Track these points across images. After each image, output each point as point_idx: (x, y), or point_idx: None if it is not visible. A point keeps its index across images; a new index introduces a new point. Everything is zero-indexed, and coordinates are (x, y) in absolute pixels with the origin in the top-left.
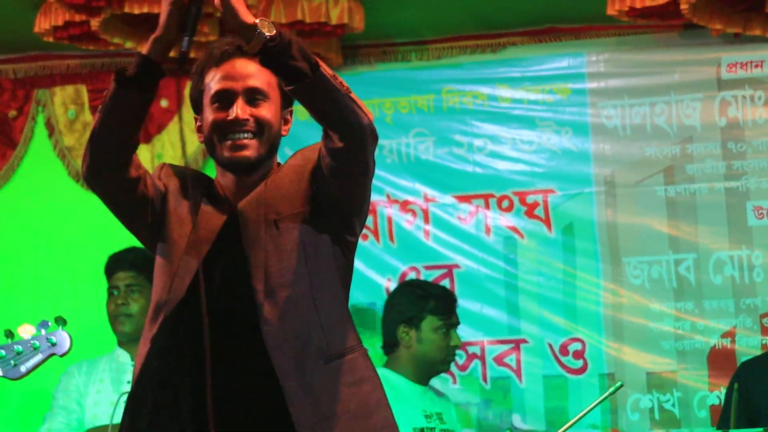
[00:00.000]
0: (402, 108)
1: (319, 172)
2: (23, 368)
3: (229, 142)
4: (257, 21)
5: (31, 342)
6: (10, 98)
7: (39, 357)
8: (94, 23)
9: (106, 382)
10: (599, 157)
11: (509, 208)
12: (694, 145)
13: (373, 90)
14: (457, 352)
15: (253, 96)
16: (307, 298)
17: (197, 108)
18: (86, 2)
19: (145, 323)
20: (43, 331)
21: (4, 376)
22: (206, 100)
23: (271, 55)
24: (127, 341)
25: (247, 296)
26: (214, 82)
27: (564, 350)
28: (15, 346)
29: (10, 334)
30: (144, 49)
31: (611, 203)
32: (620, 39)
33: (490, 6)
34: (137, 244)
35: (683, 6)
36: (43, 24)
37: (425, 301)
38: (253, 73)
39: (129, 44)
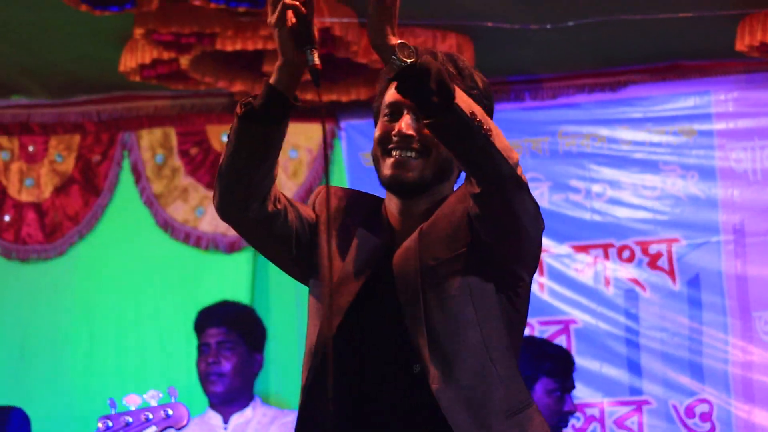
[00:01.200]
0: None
1: (471, 214)
2: None
3: (391, 159)
4: (397, 43)
5: (144, 413)
6: (93, 142)
7: (153, 429)
8: (184, 61)
9: None
10: (728, 203)
11: (630, 259)
12: None
13: None
14: (575, 414)
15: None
16: (480, 349)
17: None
18: (175, 39)
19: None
20: (154, 402)
21: None
22: (379, 115)
23: (403, 83)
24: (218, 402)
25: (405, 350)
26: (388, 95)
27: (690, 412)
28: (125, 417)
29: (113, 403)
30: (271, 78)
31: (740, 253)
32: (750, 76)
33: (609, 41)
34: (228, 297)
35: None
36: (129, 62)
37: (541, 361)
38: None
39: (221, 84)
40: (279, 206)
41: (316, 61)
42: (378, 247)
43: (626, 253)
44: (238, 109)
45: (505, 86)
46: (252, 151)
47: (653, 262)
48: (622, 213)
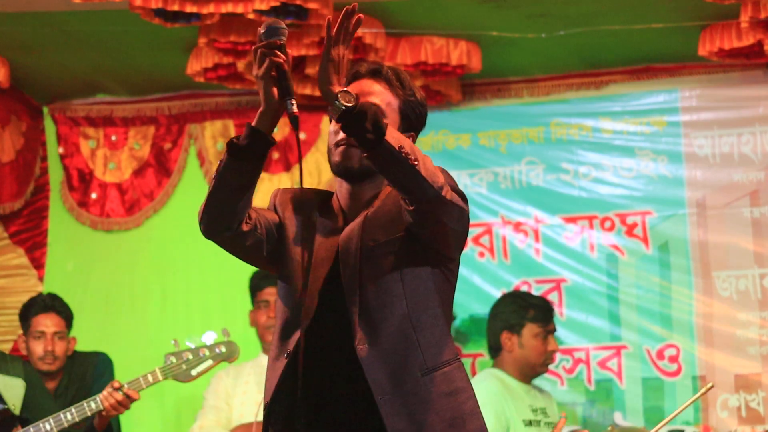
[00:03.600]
0: (515, 139)
1: (405, 220)
2: (194, 372)
3: (339, 148)
4: (339, 91)
5: (202, 350)
6: (165, 132)
7: (209, 362)
8: (240, 65)
9: (251, 384)
10: (692, 182)
11: (611, 228)
12: None
13: (489, 123)
14: (564, 356)
15: None
16: (404, 319)
17: None
18: (233, 46)
19: (273, 339)
20: (211, 341)
21: (175, 379)
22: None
23: (345, 123)
24: None
25: (343, 319)
26: None
27: (660, 355)
28: (186, 353)
29: (176, 344)
30: (254, 121)
31: (702, 223)
32: (711, 77)
33: (593, 47)
34: None
35: (767, 47)
36: (194, 66)
37: (526, 311)
38: (374, 92)
39: None
40: (251, 222)
41: (295, 110)
42: (335, 231)
43: (608, 224)
44: (226, 148)
45: (506, 85)
46: (235, 183)
47: (630, 231)
48: (604, 190)
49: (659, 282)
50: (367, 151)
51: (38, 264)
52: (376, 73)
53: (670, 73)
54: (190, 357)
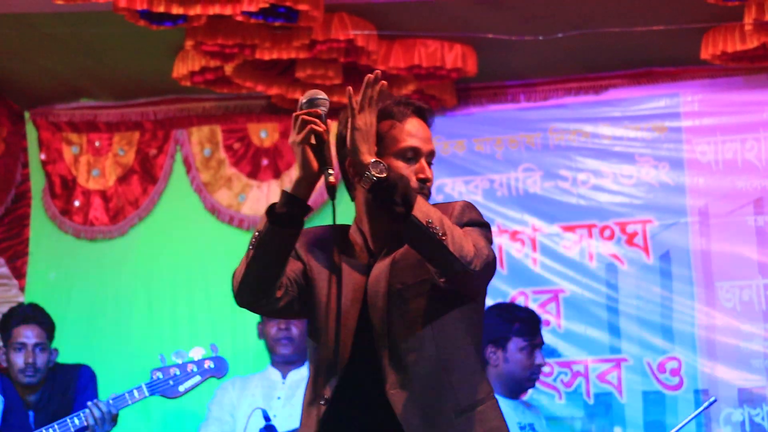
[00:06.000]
0: (512, 145)
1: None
2: (181, 389)
3: None
4: (371, 162)
5: (189, 365)
6: (151, 138)
7: (197, 379)
8: (228, 69)
9: (258, 396)
10: (694, 189)
11: (611, 237)
12: None
13: (485, 128)
14: (562, 369)
15: (430, 159)
16: (435, 360)
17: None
18: (220, 49)
19: (308, 383)
20: (199, 356)
21: (162, 395)
22: (391, 148)
23: (375, 194)
24: (282, 362)
25: (375, 363)
26: (402, 135)
27: (661, 368)
28: (173, 369)
29: (163, 359)
30: (290, 188)
31: (705, 232)
32: (713, 81)
33: (592, 51)
34: None
35: None
36: (181, 70)
37: (511, 324)
38: (430, 137)
39: (260, 88)
40: (282, 288)
41: (332, 180)
42: (361, 269)
43: (607, 232)
44: (265, 217)
45: (503, 89)
46: (274, 251)
47: (630, 240)
48: (603, 198)
49: (660, 292)
50: (396, 222)
51: (19, 274)
52: (425, 114)
53: (671, 77)
54: (178, 373)
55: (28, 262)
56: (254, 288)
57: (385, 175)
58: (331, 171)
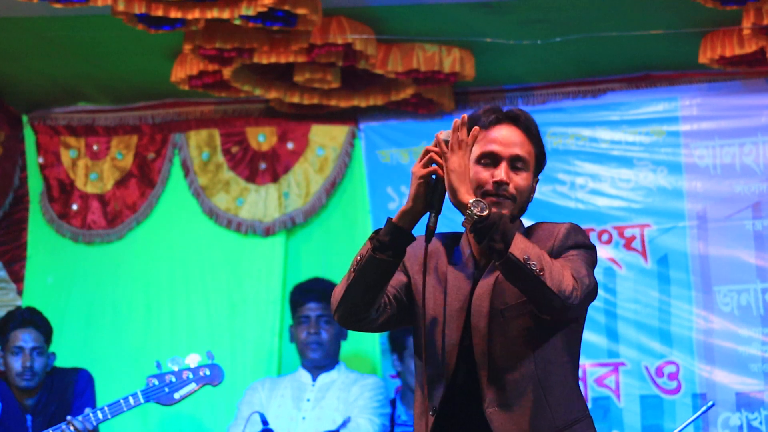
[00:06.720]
0: None
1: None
2: (177, 396)
3: (490, 199)
4: (471, 201)
5: (185, 372)
6: (149, 142)
7: (192, 386)
8: (226, 72)
9: (287, 398)
10: (692, 193)
11: (609, 241)
12: None
13: None
14: None
15: (515, 163)
16: (533, 380)
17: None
18: (219, 53)
19: (416, 394)
20: (195, 363)
21: (157, 402)
22: (474, 156)
23: (476, 233)
24: (312, 366)
25: (474, 380)
26: (484, 142)
27: (659, 372)
28: (169, 376)
29: (159, 365)
30: (395, 218)
31: (703, 236)
32: (711, 85)
33: (591, 54)
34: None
35: None
36: (179, 74)
37: None
38: (518, 142)
39: (258, 91)
40: (381, 306)
41: (432, 224)
42: (467, 279)
43: (605, 237)
44: (369, 244)
45: (501, 93)
46: (375, 276)
47: (628, 244)
48: (601, 202)
49: (658, 297)
50: (495, 260)
51: (17, 277)
52: (516, 120)
53: (669, 81)
54: (174, 380)
55: (26, 266)
56: (351, 309)
57: (486, 213)
58: (435, 215)
